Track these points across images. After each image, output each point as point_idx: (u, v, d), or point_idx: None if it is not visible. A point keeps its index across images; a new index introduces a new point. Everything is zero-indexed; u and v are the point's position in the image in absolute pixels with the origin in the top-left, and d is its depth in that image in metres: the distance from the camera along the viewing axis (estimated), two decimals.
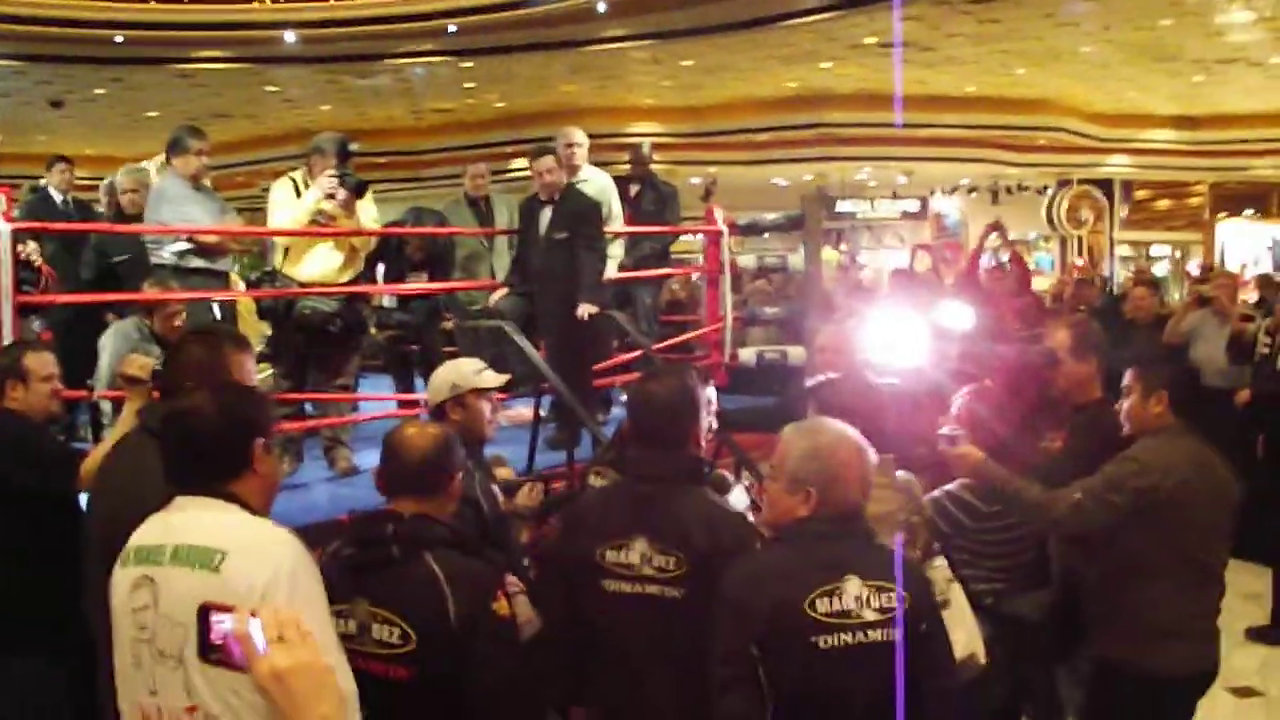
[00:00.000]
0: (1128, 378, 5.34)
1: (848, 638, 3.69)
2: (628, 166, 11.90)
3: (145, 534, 3.27)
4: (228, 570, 3.00)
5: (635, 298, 11.11)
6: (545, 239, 9.02)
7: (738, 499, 5.14)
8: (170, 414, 3.46)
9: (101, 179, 11.46)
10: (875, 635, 3.70)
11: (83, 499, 5.04)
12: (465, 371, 5.41)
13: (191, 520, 3.20)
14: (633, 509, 4.45)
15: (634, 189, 11.45)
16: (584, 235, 8.92)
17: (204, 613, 2.14)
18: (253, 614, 2.05)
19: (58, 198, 10.67)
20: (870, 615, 3.71)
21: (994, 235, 12.68)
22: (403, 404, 9.57)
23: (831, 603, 3.70)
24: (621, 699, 4.47)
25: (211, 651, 2.14)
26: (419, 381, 10.18)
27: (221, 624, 2.13)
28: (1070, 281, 16.59)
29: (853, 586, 3.72)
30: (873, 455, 3.96)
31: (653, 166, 12.20)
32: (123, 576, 3.25)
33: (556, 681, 4.78)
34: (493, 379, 5.43)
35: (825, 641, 3.68)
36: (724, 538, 4.32)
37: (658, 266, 11.45)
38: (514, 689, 3.89)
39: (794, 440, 4.03)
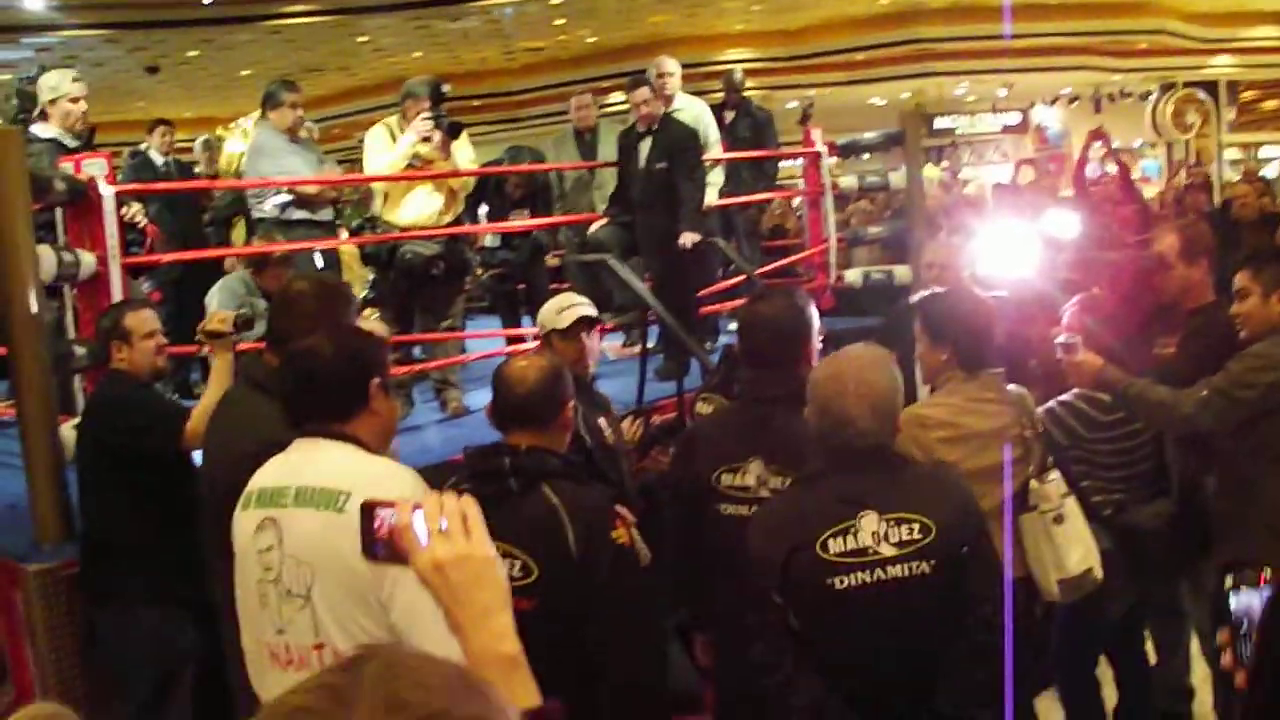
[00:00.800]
0: (1241, 279, 5.19)
1: (865, 576, 3.63)
2: (721, 95, 11.84)
3: (267, 476, 3.33)
4: (352, 510, 2.97)
5: (735, 224, 11.05)
6: (645, 169, 8.98)
7: None
8: (290, 356, 3.49)
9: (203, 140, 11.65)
10: (895, 571, 3.63)
11: (196, 455, 5.11)
12: (549, 312, 5.46)
13: (312, 461, 3.26)
14: (747, 431, 4.50)
15: (728, 116, 11.39)
16: (683, 164, 8.86)
17: (368, 510, 2.13)
18: (416, 507, 2.04)
19: (158, 160, 10.79)
20: (888, 550, 3.63)
21: (1097, 144, 12.44)
22: (510, 341, 9.60)
23: (845, 541, 3.65)
24: (739, 623, 4.46)
25: (379, 548, 2.13)
26: (526, 319, 10.22)
27: (387, 519, 2.12)
28: (1175, 188, 16.27)
29: (868, 522, 3.65)
30: (857, 383, 3.76)
31: (747, 92, 12.12)
32: (246, 519, 3.31)
33: (677, 608, 4.83)
34: (570, 317, 5.40)
35: (841, 582, 3.64)
36: None
37: (757, 192, 11.37)
38: (635, 616, 3.92)
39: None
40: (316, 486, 3.15)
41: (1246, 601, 2.34)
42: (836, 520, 3.66)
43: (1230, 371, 4.98)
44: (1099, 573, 4.75)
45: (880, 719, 3.72)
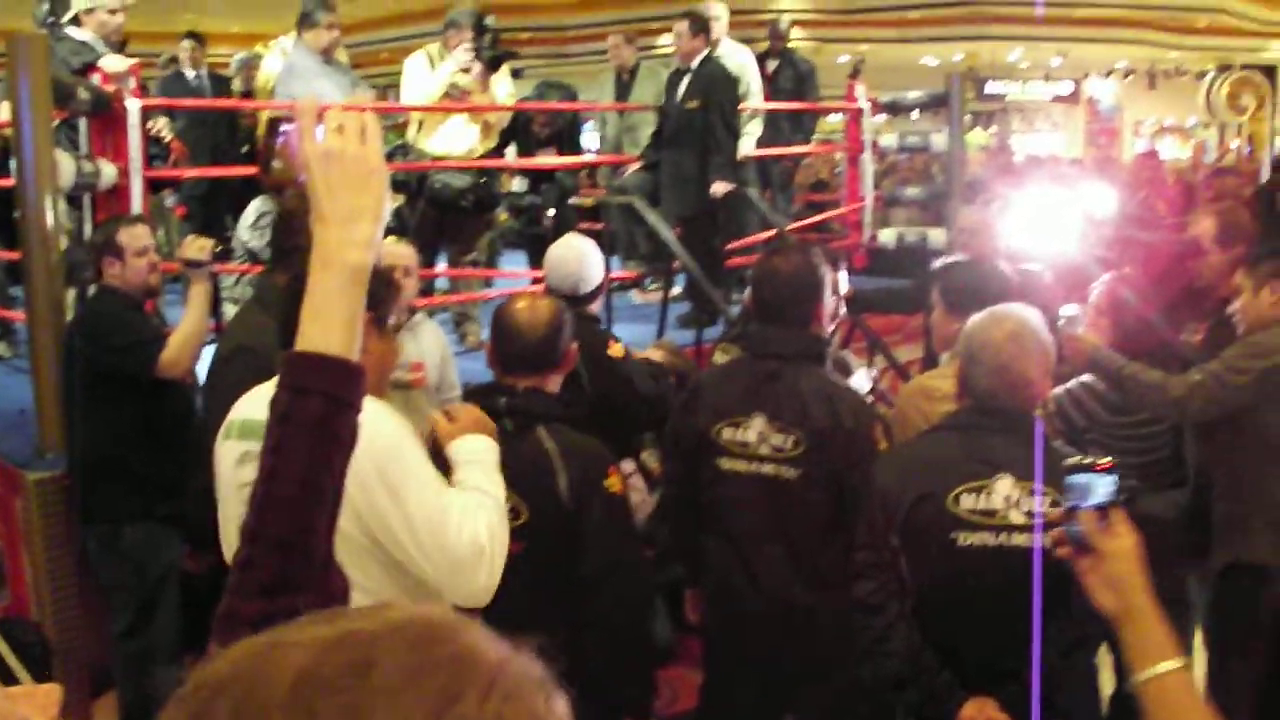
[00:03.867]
0: (1238, 276, 5.11)
1: (989, 537, 3.57)
2: (766, 43, 11.70)
3: (247, 407, 3.24)
4: None
5: (771, 176, 10.93)
6: (678, 107, 8.89)
7: (860, 382, 5.05)
8: (291, 278, 3.40)
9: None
10: (1020, 539, 3.54)
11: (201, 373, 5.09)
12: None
13: None
14: (752, 387, 4.44)
15: (771, 65, 11.24)
16: (718, 106, 8.74)
17: (272, 127, 2.08)
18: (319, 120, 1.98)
19: (190, 74, 10.74)
20: (1017, 517, 3.57)
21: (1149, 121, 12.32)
22: (536, 281, 9.53)
23: (978, 499, 3.59)
24: (732, 579, 4.46)
25: (276, 160, 2.08)
26: None
27: (286, 133, 2.08)
28: (1202, 168, 16.09)
29: (1004, 485, 3.59)
30: (1038, 345, 3.75)
31: (798, 44, 11.99)
32: (226, 450, 3.24)
33: (673, 561, 4.82)
34: None
35: (965, 539, 3.59)
36: (844, 417, 4.31)
37: (794, 145, 11.24)
38: (624, 565, 3.90)
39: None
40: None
41: (1085, 482, 2.31)
42: (973, 476, 3.62)
43: (1224, 358, 4.91)
44: None
45: (972, 680, 3.65)
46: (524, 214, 10.09)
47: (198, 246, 5.28)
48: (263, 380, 3.31)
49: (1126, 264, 6.20)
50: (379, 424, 3.00)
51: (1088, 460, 2.39)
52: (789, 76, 11.18)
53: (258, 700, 0.94)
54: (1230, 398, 4.87)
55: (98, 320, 5.36)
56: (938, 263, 5.48)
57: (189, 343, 5.17)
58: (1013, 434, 3.67)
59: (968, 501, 3.60)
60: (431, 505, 2.98)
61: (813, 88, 11.41)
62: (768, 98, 10.69)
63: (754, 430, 4.38)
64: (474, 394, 4.09)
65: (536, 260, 10.63)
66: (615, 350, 5.16)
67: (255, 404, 3.22)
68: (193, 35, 11.15)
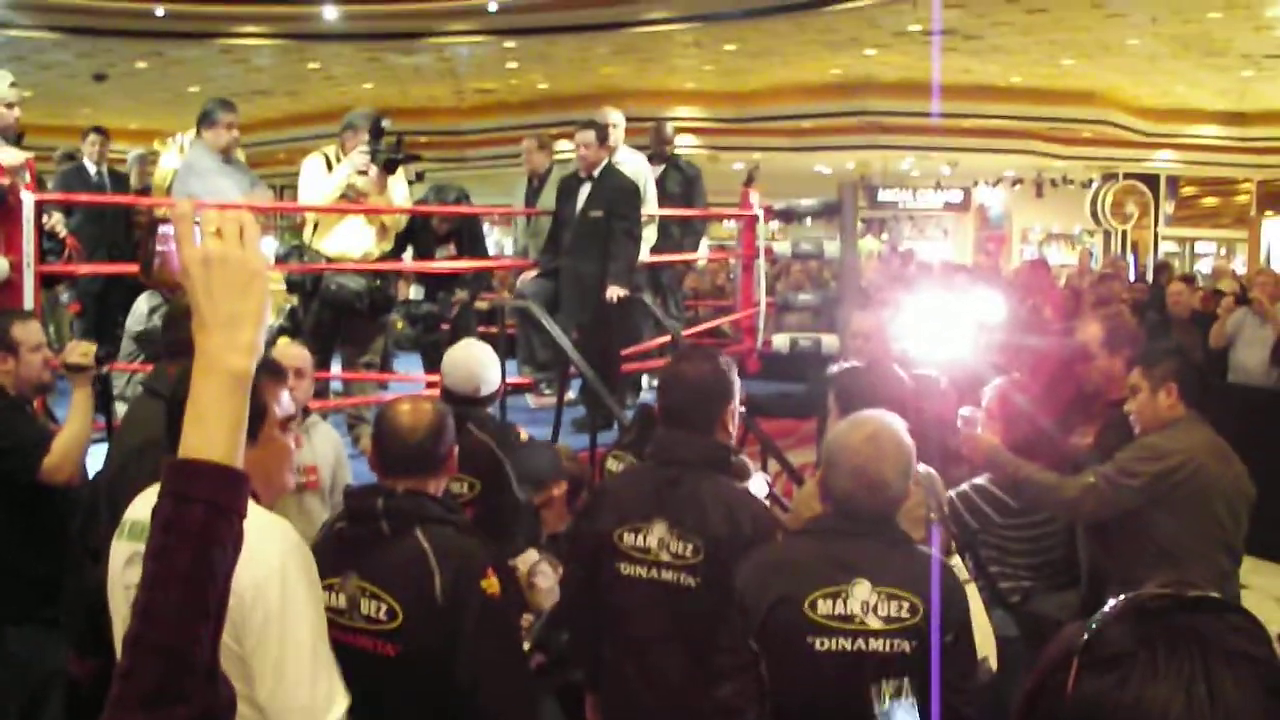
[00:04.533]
0: (1133, 377, 5.20)
1: (846, 643, 3.55)
2: (678, 149, 11.77)
3: (140, 507, 3.16)
4: None
5: (661, 282, 10.97)
6: (580, 216, 8.92)
7: (757, 487, 5.02)
8: (171, 387, 3.35)
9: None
10: (877, 645, 3.54)
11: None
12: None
13: None
14: (654, 492, 4.37)
15: (657, 170, 11.10)
16: (620, 215, 8.79)
17: (149, 230, 2.05)
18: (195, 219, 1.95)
19: (91, 169, 10.67)
20: (875, 623, 3.56)
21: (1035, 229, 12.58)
22: (431, 385, 9.48)
23: (834, 605, 3.57)
24: (633, 684, 4.41)
25: (153, 265, 2.06)
26: None
27: (166, 235, 2.05)
28: (1088, 274, 16.44)
29: (861, 591, 3.57)
30: (897, 448, 3.74)
31: (692, 151, 12.09)
32: (118, 549, 3.17)
33: (574, 666, 4.77)
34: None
35: (822, 644, 3.56)
36: (744, 526, 4.25)
37: (684, 251, 11.26)
38: (502, 668, 3.82)
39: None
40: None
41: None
42: (830, 582, 3.59)
43: (1117, 460, 5.01)
44: (994, 663, 4.67)
45: None
46: (420, 321, 10.04)
47: (80, 352, 5.17)
48: None
49: (1016, 369, 6.28)
50: (265, 543, 2.94)
51: None
52: (676, 180, 11.12)
53: None
54: (1123, 500, 4.97)
55: None
56: (833, 368, 5.52)
57: (72, 448, 5.04)
58: (871, 538, 3.68)
59: (824, 607, 3.57)
60: (301, 645, 2.93)
61: (700, 192, 11.29)
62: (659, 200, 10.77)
63: (655, 536, 4.31)
64: (352, 495, 4.04)
65: (432, 365, 10.57)
66: (521, 434, 5.24)
67: (147, 504, 3.17)
68: (99, 130, 11.07)
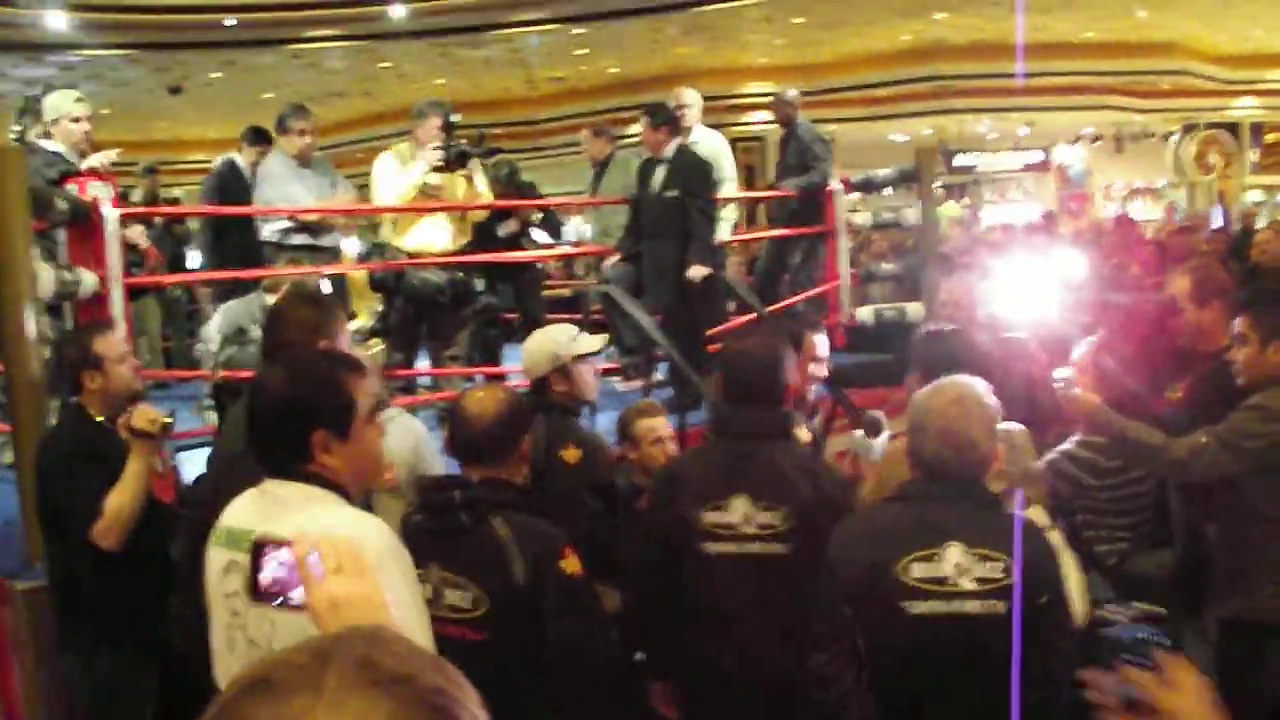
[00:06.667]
0: (1240, 324, 5.03)
1: (940, 605, 3.56)
2: (746, 126, 11.72)
3: (236, 514, 3.21)
4: (310, 564, 2.90)
5: (787, 259, 11.07)
6: (656, 197, 8.94)
7: (885, 440, 5.26)
8: (251, 386, 3.36)
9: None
10: (971, 606, 3.55)
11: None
12: (561, 340, 5.40)
13: (277, 504, 3.11)
14: (729, 468, 4.47)
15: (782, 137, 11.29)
16: (695, 194, 8.79)
17: (257, 549, 2.08)
18: (310, 548, 1.99)
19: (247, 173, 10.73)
20: (968, 584, 3.56)
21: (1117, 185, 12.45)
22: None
23: (927, 568, 3.59)
24: (718, 662, 4.45)
25: (265, 589, 2.09)
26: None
27: (277, 559, 2.08)
28: (1171, 229, 16.22)
29: (953, 553, 3.59)
30: (982, 410, 3.77)
31: (768, 126, 12.03)
32: (214, 556, 3.21)
33: (651, 652, 4.80)
34: (590, 343, 5.44)
35: (915, 607, 3.58)
36: (827, 488, 4.41)
37: (802, 224, 11.11)
38: (587, 645, 3.89)
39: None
40: (276, 535, 3.01)
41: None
42: (921, 545, 3.62)
43: (1232, 421, 4.84)
44: (1080, 619, 4.64)
45: None
46: (482, 314, 10.04)
47: (148, 419, 5.01)
48: None
49: (1105, 327, 6.21)
50: (364, 543, 2.96)
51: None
52: (794, 150, 11.10)
53: None
54: (1236, 462, 4.81)
55: (51, 463, 5.15)
56: (915, 334, 5.52)
57: (123, 516, 4.93)
58: (961, 501, 3.70)
59: (917, 570, 3.60)
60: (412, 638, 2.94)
61: (815, 158, 11.05)
62: (779, 172, 10.89)
63: (738, 511, 4.39)
64: (428, 488, 4.12)
65: (490, 356, 10.49)
66: (568, 455, 5.11)
67: (242, 511, 3.19)
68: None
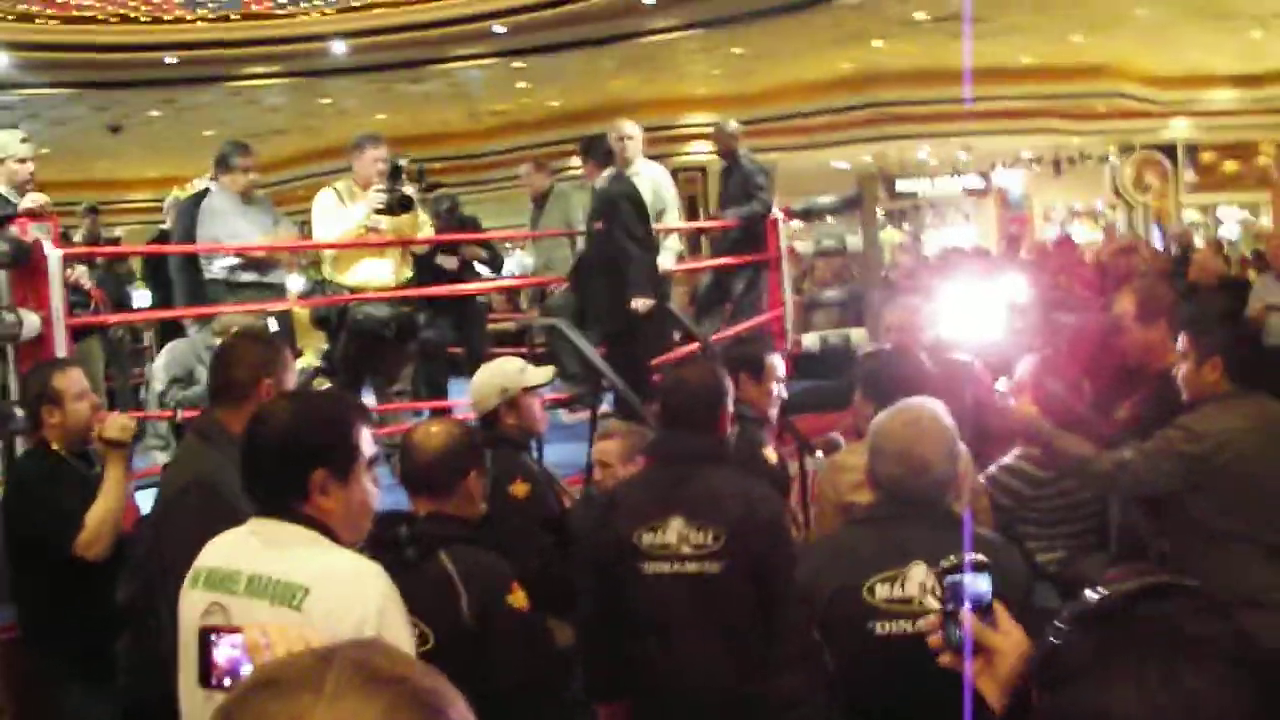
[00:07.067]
0: (1180, 343, 5.14)
1: (906, 625, 3.60)
2: (687, 156, 11.78)
3: (217, 554, 3.13)
4: (310, 609, 2.84)
5: (731, 288, 11.05)
6: (589, 229, 8.98)
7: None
8: (251, 421, 3.28)
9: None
10: None
11: None
12: (509, 372, 5.47)
13: (268, 546, 3.03)
14: (666, 490, 4.61)
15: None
16: (619, 224, 8.75)
17: (205, 636, 2.06)
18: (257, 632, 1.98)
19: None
20: (934, 604, 3.55)
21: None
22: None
23: (892, 589, 3.64)
24: (664, 679, 4.54)
25: (213, 677, 2.07)
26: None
27: (229, 643, 2.06)
28: (1112, 250, 16.40)
29: (917, 573, 3.63)
30: (937, 431, 3.81)
31: (707, 157, 12.07)
32: (193, 599, 3.10)
33: (599, 672, 4.85)
34: (539, 374, 5.50)
35: (883, 628, 3.63)
36: (759, 508, 4.54)
37: (745, 252, 11.09)
38: (535, 681, 3.90)
39: None
40: (272, 577, 2.91)
41: (961, 582, 2.31)
42: (886, 566, 3.67)
43: (1156, 439, 4.94)
44: None
45: None
46: (425, 349, 9.97)
47: (119, 426, 5.13)
48: (219, 514, 3.25)
49: (1052, 346, 6.26)
50: (364, 587, 2.93)
51: (958, 560, 2.38)
52: (736, 181, 11.10)
53: None
54: (1159, 481, 4.92)
55: (20, 492, 5.27)
56: (862, 353, 5.61)
57: (105, 525, 5.00)
58: (924, 521, 3.73)
59: (882, 591, 3.65)
60: None
61: (758, 187, 11.04)
62: (721, 202, 10.95)
63: (673, 531, 4.52)
64: (375, 523, 4.09)
65: (435, 390, 10.44)
66: (517, 490, 5.16)
67: (226, 552, 3.12)
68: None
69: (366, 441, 3.17)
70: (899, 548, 3.69)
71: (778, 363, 6.01)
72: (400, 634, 2.90)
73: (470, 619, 3.77)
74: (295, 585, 2.90)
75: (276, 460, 3.09)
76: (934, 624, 2.43)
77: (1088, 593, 1.48)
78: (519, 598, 3.86)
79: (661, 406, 4.99)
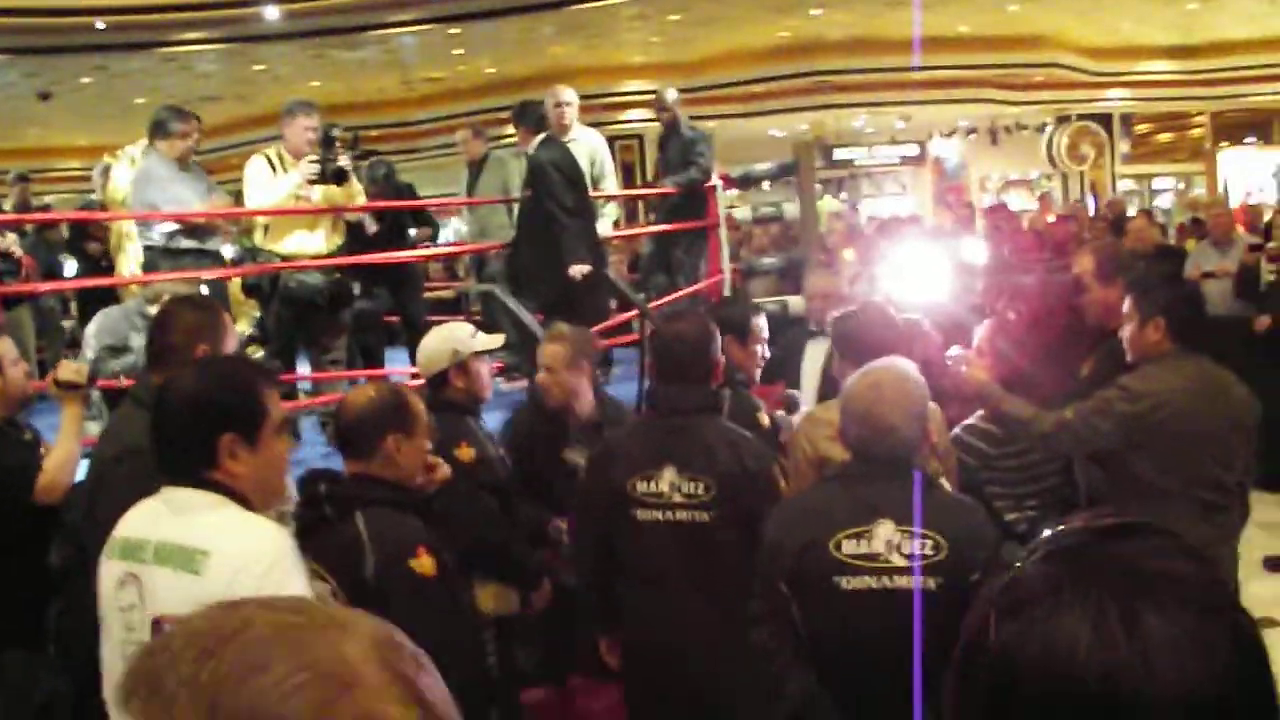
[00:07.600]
0: (1125, 304, 5.22)
1: (871, 581, 3.69)
2: (624, 124, 11.72)
3: (130, 525, 3.16)
4: (208, 573, 2.90)
5: (668, 253, 11.02)
6: (521, 196, 8.95)
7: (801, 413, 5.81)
8: (158, 389, 3.35)
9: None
10: (902, 581, 3.67)
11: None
12: (461, 336, 5.50)
13: (174, 512, 3.08)
14: (660, 441, 4.81)
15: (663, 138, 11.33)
16: (546, 191, 8.69)
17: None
18: None
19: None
20: (899, 560, 3.69)
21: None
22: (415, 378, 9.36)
23: (859, 544, 3.72)
24: (653, 623, 4.79)
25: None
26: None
27: None
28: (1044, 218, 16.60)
29: (884, 530, 3.71)
30: (900, 392, 3.89)
31: (645, 125, 12.03)
32: (109, 570, 3.14)
33: (599, 607, 5.08)
34: (490, 340, 5.56)
35: (848, 583, 3.72)
36: (748, 460, 4.71)
37: (684, 219, 10.98)
38: (438, 646, 3.79)
39: None
40: (174, 543, 2.98)
41: None
42: (854, 522, 3.75)
43: (1095, 399, 5.05)
44: None
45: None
46: (359, 319, 9.86)
47: (73, 370, 5.11)
48: (152, 482, 3.19)
49: (1009, 308, 6.28)
50: (260, 545, 2.97)
51: None
52: (676, 148, 11.03)
53: None
54: (1098, 440, 5.05)
55: None
56: (833, 314, 5.68)
57: (64, 467, 4.97)
58: (891, 480, 3.81)
59: (849, 547, 3.73)
60: None
61: (698, 154, 10.96)
62: (660, 170, 10.91)
63: (666, 480, 4.72)
64: (301, 481, 4.17)
65: (369, 358, 10.36)
66: (463, 454, 5.17)
67: (138, 522, 3.13)
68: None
69: (274, 404, 3.20)
70: (868, 505, 3.77)
71: (762, 324, 6.23)
72: (298, 591, 2.90)
73: (373, 579, 3.81)
74: (194, 550, 2.96)
75: (183, 427, 3.14)
76: None
77: (1059, 527, 1.44)
78: (424, 563, 3.87)
79: (654, 361, 5.10)
